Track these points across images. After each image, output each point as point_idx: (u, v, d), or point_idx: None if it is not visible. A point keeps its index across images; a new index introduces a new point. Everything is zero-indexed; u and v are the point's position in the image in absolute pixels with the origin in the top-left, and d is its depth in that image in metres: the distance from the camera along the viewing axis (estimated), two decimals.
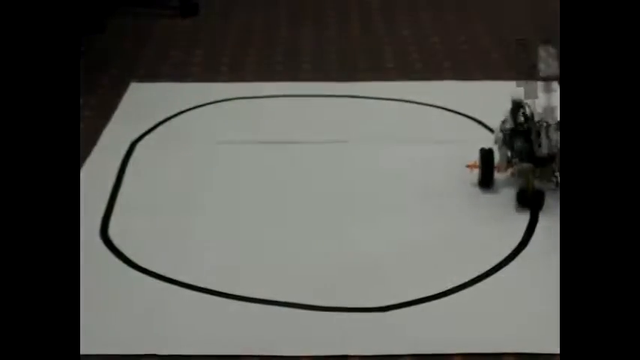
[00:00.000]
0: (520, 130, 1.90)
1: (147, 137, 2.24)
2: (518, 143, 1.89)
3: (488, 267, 1.70)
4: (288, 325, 1.56)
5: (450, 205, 1.93)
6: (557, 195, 1.85)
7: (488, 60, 2.73)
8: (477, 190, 1.98)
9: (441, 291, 1.63)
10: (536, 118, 1.90)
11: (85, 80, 2.59)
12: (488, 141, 2.08)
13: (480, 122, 2.28)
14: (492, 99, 2.43)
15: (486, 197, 1.95)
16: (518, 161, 1.89)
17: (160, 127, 2.30)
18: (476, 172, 1.97)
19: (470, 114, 2.33)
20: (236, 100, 2.45)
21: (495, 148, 1.96)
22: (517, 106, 1.93)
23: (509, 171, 1.94)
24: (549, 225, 1.82)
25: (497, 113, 2.26)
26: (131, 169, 2.07)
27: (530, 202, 1.86)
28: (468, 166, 1.98)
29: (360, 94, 2.47)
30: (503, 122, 1.96)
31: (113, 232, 1.83)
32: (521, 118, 1.93)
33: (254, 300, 1.61)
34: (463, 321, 1.56)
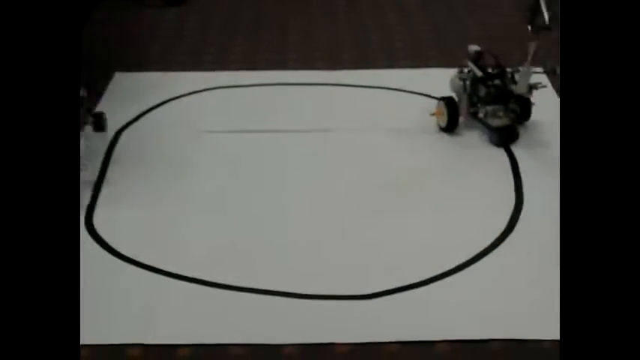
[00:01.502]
0: (485, 77, 2.11)
1: (132, 126, 2.23)
2: (485, 87, 2.11)
3: (473, 254, 1.70)
4: (274, 313, 1.56)
5: (437, 192, 1.93)
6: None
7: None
8: (467, 174, 2.00)
9: (426, 278, 1.63)
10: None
11: None
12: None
13: None
14: None
15: (476, 180, 1.96)
16: (483, 104, 2.11)
17: (145, 117, 2.29)
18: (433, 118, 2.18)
19: None
20: (221, 89, 2.44)
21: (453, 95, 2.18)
22: (478, 55, 2.15)
23: (469, 114, 2.15)
24: (533, 210, 1.83)
25: None
26: (116, 159, 2.06)
27: (507, 138, 2.08)
28: (433, 114, 2.16)
29: (346, 83, 2.46)
30: (461, 72, 2.16)
31: (98, 222, 1.82)
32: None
33: (239, 289, 1.61)
34: (449, 308, 1.56)
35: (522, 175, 1.98)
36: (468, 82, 2.14)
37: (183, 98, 2.39)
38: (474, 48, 2.16)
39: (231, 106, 2.35)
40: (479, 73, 2.12)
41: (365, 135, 2.17)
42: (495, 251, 1.71)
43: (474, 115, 2.13)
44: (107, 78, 2.50)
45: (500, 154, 2.07)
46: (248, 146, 2.13)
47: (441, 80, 2.34)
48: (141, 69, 2.59)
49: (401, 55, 2.68)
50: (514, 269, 1.66)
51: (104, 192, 1.93)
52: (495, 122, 2.09)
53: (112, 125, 2.18)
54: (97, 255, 1.72)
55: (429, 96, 2.35)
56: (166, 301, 1.59)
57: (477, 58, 2.15)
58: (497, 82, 2.11)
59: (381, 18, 2.99)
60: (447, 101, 2.14)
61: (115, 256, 1.71)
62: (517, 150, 2.07)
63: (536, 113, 2.17)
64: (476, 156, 2.08)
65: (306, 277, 1.65)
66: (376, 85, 2.44)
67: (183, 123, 2.25)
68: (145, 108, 2.32)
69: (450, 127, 2.14)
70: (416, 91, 2.39)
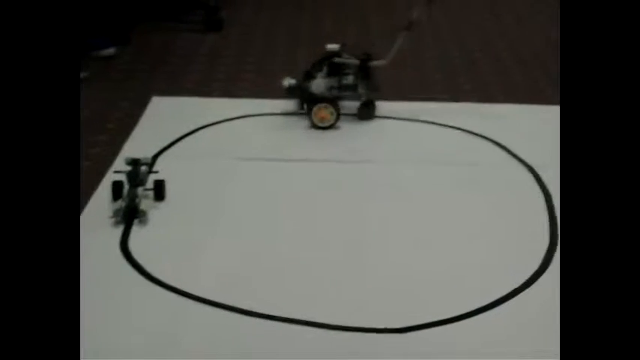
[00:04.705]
0: (362, 61, 2.42)
1: (168, 151, 2.25)
2: (352, 75, 2.42)
3: (507, 291, 1.69)
4: (304, 343, 1.55)
5: (469, 227, 1.92)
6: None
7: (510, 82, 2.73)
8: (497, 206, 2.00)
9: (460, 313, 1.62)
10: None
11: (111, 93, 2.61)
12: (507, 163, 2.17)
13: (499, 144, 2.28)
14: (513, 122, 2.44)
15: (508, 214, 1.95)
16: (351, 90, 2.42)
17: (181, 142, 2.30)
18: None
19: (490, 136, 2.33)
20: (258, 117, 2.45)
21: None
22: (342, 50, 2.43)
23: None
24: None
25: (520, 136, 2.27)
26: (151, 183, 2.07)
27: (373, 109, 2.44)
28: (322, 118, 2.36)
29: (381, 114, 2.47)
30: (317, 72, 2.41)
31: (133, 244, 1.83)
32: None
33: (270, 317, 1.61)
34: (481, 344, 1.55)
35: (556, 210, 1.97)
36: (324, 79, 2.40)
37: (219, 124, 2.40)
38: (334, 46, 2.42)
39: (267, 133, 2.36)
40: (356, 62, 2.41)
41: (396, 166, 2.18)
42: (528, 290, 1.70)
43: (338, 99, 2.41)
44: (144, 102, 2.53)
45: (534, 186, 2.08)
46: (283, 174, 2.14)
47: (475, 114, 2.35)
48: (178, 94, 2.62)
49: (438, 89, 2.69)
50: (547, 307, 1.64)
51: None
52: (364, 98, 2.42)
53: (149, 150, 2.19)
54: (131, 278, 1.73)
55: (465, 130, 2.36)
56: (195, 325, 1.59)
57: (340, 54, 2.42)
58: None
59: (417, 50, 3.00)
60: (330, 101, 2.36)
61: (148, 280, 1.72)
62: (551, 186, 2.07)
63: None
64: (507, 188, 2.08)
65: (337, 308, 1.64)
66: (409, 117, 2.45)
67: (218, 149, 2.26)
68: (181, 133, 2.33)
69: (336, 122, 2.36)
70: (452, 125, 2.40)
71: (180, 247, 1.82)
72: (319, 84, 2.40)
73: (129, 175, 1.97)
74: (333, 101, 2.38)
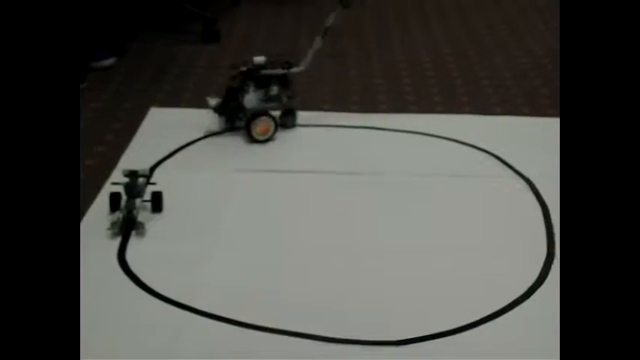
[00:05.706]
0: (271, 77, 2.44)
1: (165, 163, 2.24)
2: (277, 86, 2.44)
3: (504, 303, 1.69)
4: (299, 356, 1.55)
5: (466, 240, 1.92)
6: None
7: (507, 95, 2.73)
8: (497, 219, 2.00)
9: (458, 326, 1.62)
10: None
11: (109, 104, 2.61)
12: (506, 177, 2.15)
13: (497, 157, 2.28)
14: (511, 134, 2.44)
15: (506, 226, 1.95)
16: (276, 99, 2.44)
17: (179, 153, 2.30)
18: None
19: (488, 149, 2.33)
20: None
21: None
22: (267, 63, 2.44)
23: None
24: None
25: (516, 148, 2.28)
26: (148, 195, 2.07)
27: (294, 115, 2.48)
28: (261, 131, 2.36)
29: (379, 126, 2.47)
30: (245, 88, 2.42)
31: (130, 256, 1.83)
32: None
33: (268, 330, 1.61)
34: (480, 356, 1.55)
35: (553, 222, 1.97)
36: (254, 93, 2.42)
37: (217, 136, 2.41)
38: (261, 59, 2.44)
39: (264, 145, 2.36)
40: (281, 72, 2.44)
41: (395, 179, 2.18)
42: (527, 302, 1.70)
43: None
44: (142, 113, 2.53)
45: (531, 198, 2.08)
46: (280, 186, 2.14)
47: (474, 127, 2.35)
48: (176, 105, 2.62)
49: (435, 101, 2.69)
50: (545, 320, 1.64)
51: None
52: (288, 105, 2.46)
53: (146, 161, 2.19)
54: (128, 290, 1.72)
55: (463, 142, 2.37)
56: (194, 338, 1.59)
57: (265, 66, 2.44)
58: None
59: (415, 62, 3.01)
60: (269, 116, 2.37)
61: (146, 292, 1.72)
62: (548, 197, 2.07)
63: None
64: (507, 202, 2.08)
65: (332, 320, 1.64)
66: (408, 129, 2.45)
67: (217, 161, 2.26)
68: (179, 145, 2.33)
69: (274, 134, 2.38)
70: (451, 137, 2.40)
71: (177, 259, 1.82)
72: (251, 98, 2.41)
73: (126, 186, 1.97)
74: (270, 114, 2.38)
